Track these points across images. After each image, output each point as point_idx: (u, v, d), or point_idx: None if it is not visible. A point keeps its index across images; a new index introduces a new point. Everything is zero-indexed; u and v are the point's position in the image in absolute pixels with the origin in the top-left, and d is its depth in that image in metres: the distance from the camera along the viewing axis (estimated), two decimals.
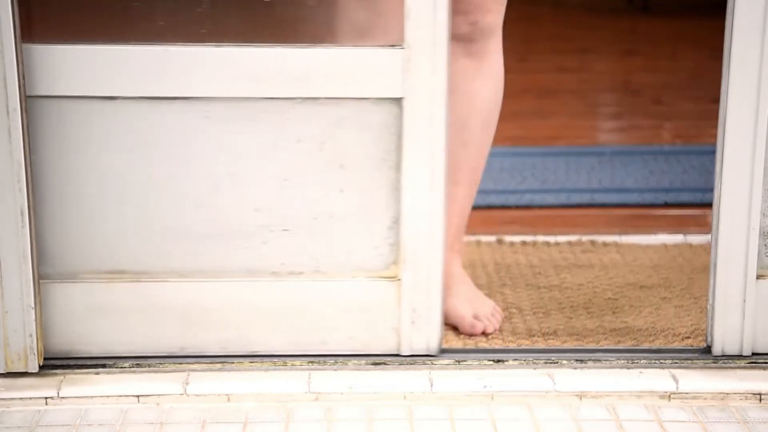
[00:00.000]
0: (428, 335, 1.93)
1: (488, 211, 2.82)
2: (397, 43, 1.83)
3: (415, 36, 1.81)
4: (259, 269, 1.91)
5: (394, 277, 1.92)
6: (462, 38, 2.03)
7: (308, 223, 1.90)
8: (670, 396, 1.87)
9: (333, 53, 1.83)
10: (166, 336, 1.93)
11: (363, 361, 1.94)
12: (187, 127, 1.86)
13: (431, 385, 1.87)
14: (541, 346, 2.02)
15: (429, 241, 1.89)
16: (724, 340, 1.95)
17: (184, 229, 1.89)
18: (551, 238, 2.56)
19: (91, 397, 1.86)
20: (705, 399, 1.87)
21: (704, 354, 1.97)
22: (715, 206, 1.91)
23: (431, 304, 1.92)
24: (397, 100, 1.85)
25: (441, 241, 1.89)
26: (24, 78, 1.81)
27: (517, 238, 2.56)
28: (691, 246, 2.52)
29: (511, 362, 1.94)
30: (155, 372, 1.92)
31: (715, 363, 1.94)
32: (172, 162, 1.87)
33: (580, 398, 1.87)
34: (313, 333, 1.93)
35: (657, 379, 1.90)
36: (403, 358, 1.93)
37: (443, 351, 1.96)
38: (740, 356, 1.94)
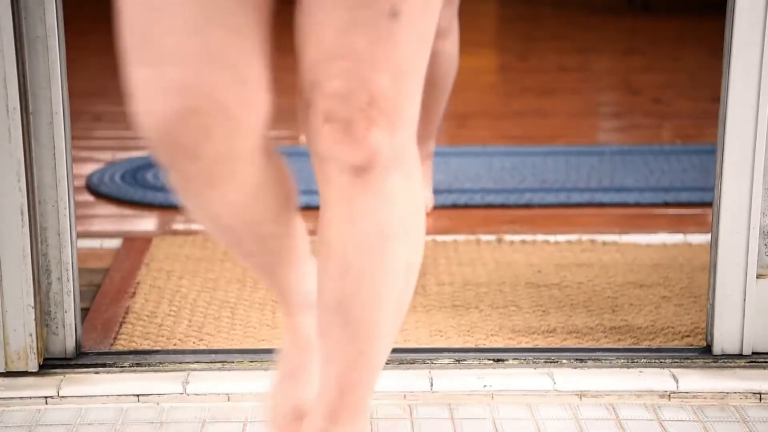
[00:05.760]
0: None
1: (488, 210, 2.82)
2: None
3: None
4: None
5: None
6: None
7: None
8: (670, 395, 1.87)
9: None
10: None
11: None
12: None
13: (431, 385, 1.87)
14: (540, 344, 2.02)
15: None
16: (723, 339, 1.94)
17: None
18: (551, 237, 2.56)
19: (91, 396, 1.85)
20: (705, 398, 1.87)
21: (704, 353, 1.97)
22: (715, 206, 1.91)
23: None
24: None
25: None
26: (24, 77, 1.81)
27: (517, 237, 2.56)
28: (690, 245, 2.52)
29: (511, 361, 1.94)
30: (155, 371, 1.92)
31: (715, 362, 1.94)
32: None
33: (580, 397, 1.87)
34: None
35: (657, 378, 1.90)
36: (404, 355, 1.94)
37: None
38: (740, 355, 1.94)
